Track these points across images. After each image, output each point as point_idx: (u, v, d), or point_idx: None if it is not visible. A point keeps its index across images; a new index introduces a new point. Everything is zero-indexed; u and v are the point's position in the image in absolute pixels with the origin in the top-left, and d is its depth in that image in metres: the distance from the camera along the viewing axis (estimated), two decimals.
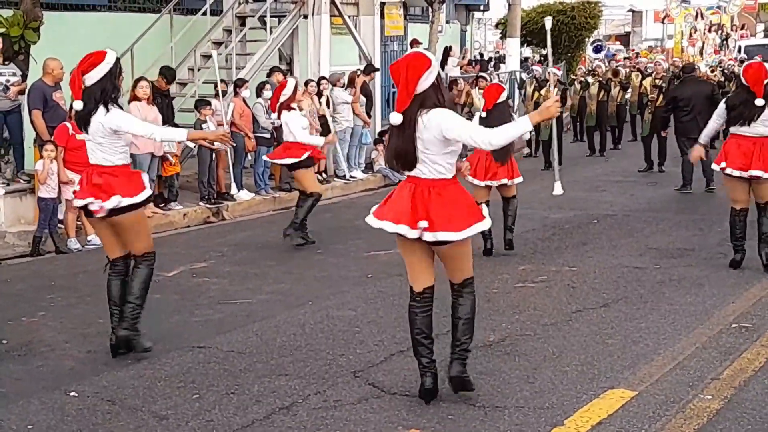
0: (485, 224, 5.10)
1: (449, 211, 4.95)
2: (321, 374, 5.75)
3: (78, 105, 6.04)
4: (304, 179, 10.02)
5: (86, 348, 6.41)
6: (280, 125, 10.50)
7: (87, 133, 6.04)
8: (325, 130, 13.87)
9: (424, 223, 4.94)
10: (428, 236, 4.97)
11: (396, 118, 4.92)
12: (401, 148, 4.97)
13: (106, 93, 5.97)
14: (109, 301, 6.24)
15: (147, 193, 6.17)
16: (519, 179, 9.24)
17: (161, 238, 10.65)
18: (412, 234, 4.98)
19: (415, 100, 4.89)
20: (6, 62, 10.77)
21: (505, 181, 9.08)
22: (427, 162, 4.95)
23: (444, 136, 4.88)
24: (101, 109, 5.94)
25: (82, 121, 6.03)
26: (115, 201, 5.96)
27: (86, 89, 5.97)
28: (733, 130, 8.29)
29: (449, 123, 4.88)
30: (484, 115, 8.82)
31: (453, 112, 4.99)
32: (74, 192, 6.42)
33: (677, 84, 14.52)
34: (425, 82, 4.90)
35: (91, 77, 5.95)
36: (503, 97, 8.85)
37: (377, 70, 15.33)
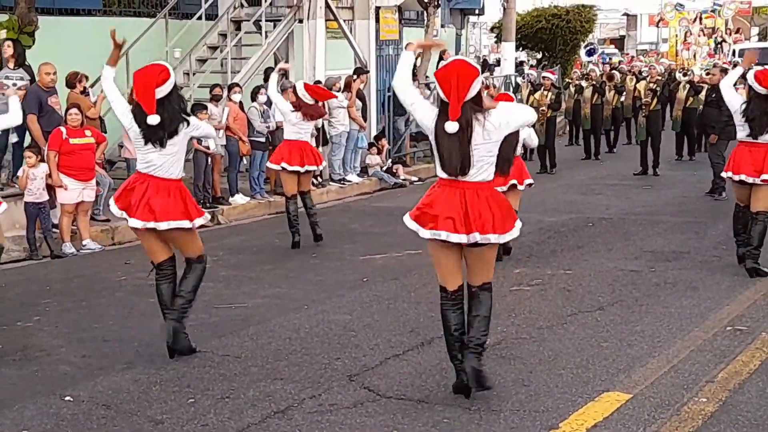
0: (517, 230, 5.28)
1: (495, 213, 5.09)
2: (316, 378, 5.75)
3: (154, 119, 5.86)
4: (288, 181, 10.15)
5: (81, 353, 6.39)
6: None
7: (163, 146, 5.96)
8: (321, 134, 13.90)
9: (477, 236, 5.04)
10: (479, 238, 5.05)
11: (452, 127, 4.97)
12: (457, 154, 5.03)
13: (184, 103, 6.14)
14: (160, 305, 6.28)
15: (204, 218, 6.33)
16: (508, 187, 8.72)
17: None
18: (469, 239, 5.04)
19: (466, 107, 4.99)
20: (16, 67, 10.79)
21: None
22: (478, 166, 5.06)
23: (512, 126, 5.19)
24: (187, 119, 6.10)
25: (167, 133, 5.94)
26: (174, 224, 6.05)
27: (162, 102, 5.91)
28: (740, 138, 8.35)
29: (513, 113, 5.20)
30: None
31: (506, 103, 5.19)
32: (129, 212, 6.13)
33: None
34: (474, 89, 5.01)
35: (163, 90, 5.92)
36: None
37: (367, 72, 15.33)
